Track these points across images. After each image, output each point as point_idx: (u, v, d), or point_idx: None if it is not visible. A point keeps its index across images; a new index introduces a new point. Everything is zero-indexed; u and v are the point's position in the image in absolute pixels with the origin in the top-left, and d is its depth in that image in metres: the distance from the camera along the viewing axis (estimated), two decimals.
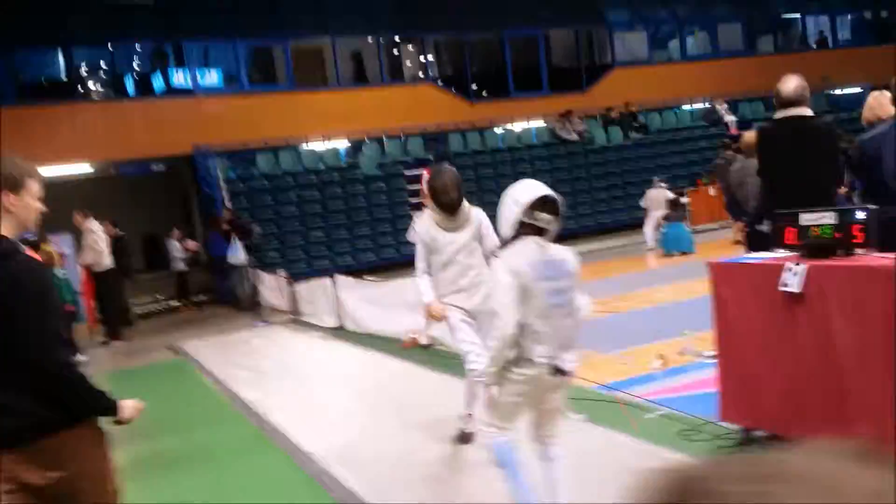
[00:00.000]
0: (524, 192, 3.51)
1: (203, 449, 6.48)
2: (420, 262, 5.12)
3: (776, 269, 4.02)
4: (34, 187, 2.81)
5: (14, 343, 2.66)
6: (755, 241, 6.62)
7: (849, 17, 27.77)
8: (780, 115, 5.34)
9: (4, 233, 2.71)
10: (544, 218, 3.47)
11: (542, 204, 3.47)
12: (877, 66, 24.62)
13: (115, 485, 2.98)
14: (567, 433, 4.75)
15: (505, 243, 3.53)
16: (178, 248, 16.20)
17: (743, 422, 4.49)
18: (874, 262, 3.69)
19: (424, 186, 5.21)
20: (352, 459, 5.41)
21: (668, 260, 13.88)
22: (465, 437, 5.29)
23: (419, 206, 18.79)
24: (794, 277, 3.91)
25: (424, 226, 5.12)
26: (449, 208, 4.97)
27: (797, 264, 3.93)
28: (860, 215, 3.83)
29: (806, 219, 4.01)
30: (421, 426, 5.92)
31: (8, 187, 2.72)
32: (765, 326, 4.18)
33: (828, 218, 3.92)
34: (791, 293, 3.94)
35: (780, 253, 4.21)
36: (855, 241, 3.82)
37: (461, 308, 5.01)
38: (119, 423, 3.00)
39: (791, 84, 5.26)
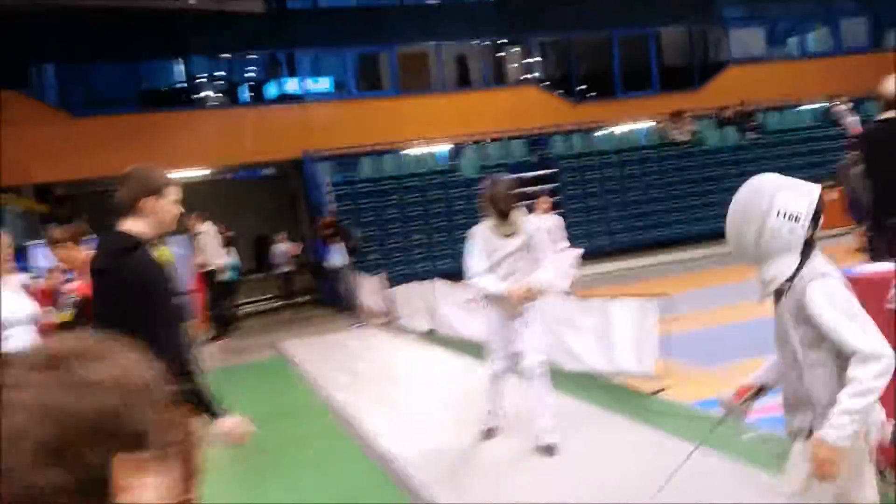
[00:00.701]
0: (810, 186, 2.55)
1: (286, 441, 6.60)
2: (481, 263, 5.42)
3: (885, 284, 3.65)
4: (172, 193, 3.22)
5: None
6: (878, 249, 6.15)
7: None
8: (883, 115, 5.07)
9: (145, 230, 3.10)
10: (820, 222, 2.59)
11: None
12: None
13: None
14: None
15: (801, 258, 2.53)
16: (282, 252, 16.67)
17: None
18: None
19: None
20: (432, 463, 5.48)
21: None
22: (489, 433, 5.75)
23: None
24: None
25: (482, 229, 5.49)
26: (503, 213, 5.36)
27: None
28: None
29: None
30: (503, 434, 5.81)
31: (151, 192, 3.13)
32: None
33: None
34: None
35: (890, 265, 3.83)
36: None
37: (499, 310, 5.46)
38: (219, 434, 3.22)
39: (892, 85, 4.97)
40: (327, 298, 15.87)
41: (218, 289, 13.61)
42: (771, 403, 5.65)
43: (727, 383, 3.05)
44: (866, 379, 2.34)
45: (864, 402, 2.35)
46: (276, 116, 18.86)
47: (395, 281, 13.77)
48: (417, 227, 17.34)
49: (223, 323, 13.88)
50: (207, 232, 13.63)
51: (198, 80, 20.05)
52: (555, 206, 18.49)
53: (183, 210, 3.33)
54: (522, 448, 5.54)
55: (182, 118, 18.29)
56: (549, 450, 5.29)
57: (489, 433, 5.78)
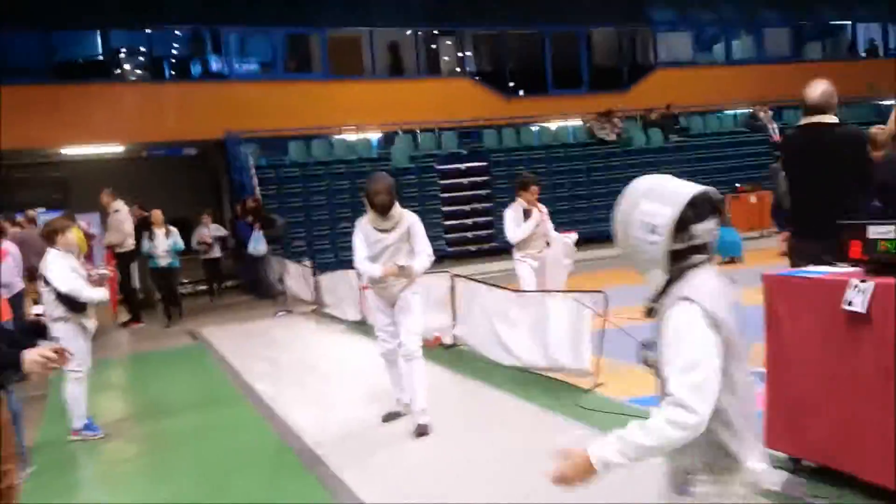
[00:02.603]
0: (683, 191, 2.17)
1: (203, 430, 6.48)
2: (363, 251, 5.79)
3: (839, 286, 3.62)
4: None
5: None
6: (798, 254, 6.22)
7: None
8: (803, 121, 5.08)
9: None
10: (708, 229, 2.20)
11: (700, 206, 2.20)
12: None
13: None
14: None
15: (670, 273, 2.20)
16: (207, 234, 15.75)
17: (790, 450, 4.09)
18: None
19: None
20: (354, 454, 5.41)
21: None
22: (390, 416, 6.06)
23: (451, 202, 18.43)
24: (859, 296, 3.51)
25: (364, 223, 5.83)
26: (380, 209, 5.66)
27: (863, 281, 3.53)
28: None
29: (874, 231, 3.60)
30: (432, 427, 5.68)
31: None
32: (822, 347, 3.78)
33: None
34: (854, 313, 3.55)
35: (842, 268, 3.81)
36: None
37: (379, 296, 5.91)
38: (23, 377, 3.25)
39: (817, 90, 5.01)
40: (250, 285, 15.37)
41: (127, 270, 12.95)
42: None
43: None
44: (659, 419, 2.00)
45: (644, 440, 2.01)
46: (199, 94, 18.17)
47: (321, 269, 13.44)
48: (345, 215, 16.97)
49: (137, 306, 13.27)
50: (121, 210, 13.00)
51: (118, 54, 19.14)
52: (486, 199, 18.55)
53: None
54: (450, 444, 5.45)
55: (99, 91, 17.42)
56: (421, 431, 5.60)
57: (390, 416, 6.05)
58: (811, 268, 4.03)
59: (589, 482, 2.06)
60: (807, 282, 3.92)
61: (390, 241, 5.72)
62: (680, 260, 2.16)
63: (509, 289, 7.56)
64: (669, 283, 2.17)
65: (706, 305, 2.07)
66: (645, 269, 2.21)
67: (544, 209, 7.93)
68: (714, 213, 2.18)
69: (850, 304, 3.55)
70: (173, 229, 12.61)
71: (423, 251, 5.82)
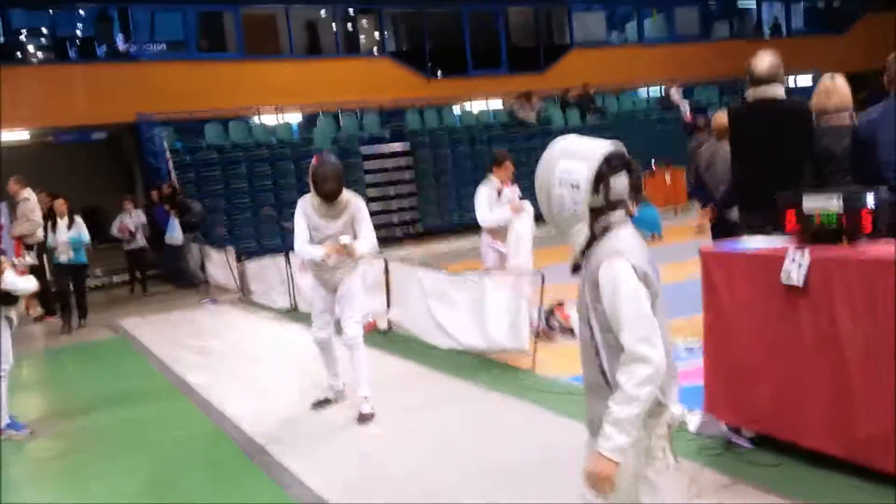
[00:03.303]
0: (596, 148, 2.29)
1: (134, 425, 6.30)
2: (303, 234, 5.61)
3: (776, 259, 3.75)
4: None
5: None
6: (721, 229, 6.39)
7: (802, 5, 27.99)
8: (751, 94, 5.08)
9: None
10: (623, 185, 2.32)
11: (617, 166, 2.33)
12: (829, 55, 24.92)
13: None
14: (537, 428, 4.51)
15: (593, 231, 2.33)
16: (129, 222, 14.34)
17: (730, 419, 4.23)
18: (884, 253, 3.44)
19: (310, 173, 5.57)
20: (289, 438, 5.45)
21: None
22: (321, 404, 5.99)
23: (375, 185, 18.19)
24: (797, 268, 3.65)
25: (307, 205, 5.61)
26: (326, 197, 5.47)
27: (801, 254, 3.66)
28: (869, 200, 3.57)
29: (809, 203, 3.74)
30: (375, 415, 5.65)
31: None
32: (760, 318, 3.91)
33: (834, 202, 3.65)
34: (792, 284, 3.68)
35: (776, 240, 3.95)
36: (863, 228, 3.57)
37: (319, 281, 5.75)
38: None
39: (765, 61, 5.00)
40: (171, 274, 14.91)
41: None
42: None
43: None
44: (629, 386, 2.18)
45: (630, 410, 2.18)
46: (108, 76, 17.39)
47: (244, 255, 13.14)
48: (267, 200, 16.63)
49: (52, 300, 12.67)
50: (30, 199, 12.37)
51: (19, 36, 18.15)
52: (410, 182, 18.46)
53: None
54: (393, 427, 5.45)
55: (1, 74, 16.50)
56: (365, 418, 5.52)
57: (321, 403, 5.97)
58: (747, 239, 4.16)
59: (616, 473, 2.22)
60: (744, 255, 4.05)
61: (334, 229, 5.55)
62: (600, 215, 2.29)
63: (446, 270, 7.55)
64: (593, 240, 2.31)
65: (635, 261, 2.25)
66: (568, 226, 2.33)
67: (517, 190, 7.31)
68: (626, 168, 2.31)
69: (788, 276, 3.68)
70: (78, 220, 11.02)
71: (368, 238, 5.64)
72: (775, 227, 4.00)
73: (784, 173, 4.69)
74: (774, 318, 3.83)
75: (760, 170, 5.05)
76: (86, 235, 11.05)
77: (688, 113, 21.24)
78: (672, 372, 2.35)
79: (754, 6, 27.26)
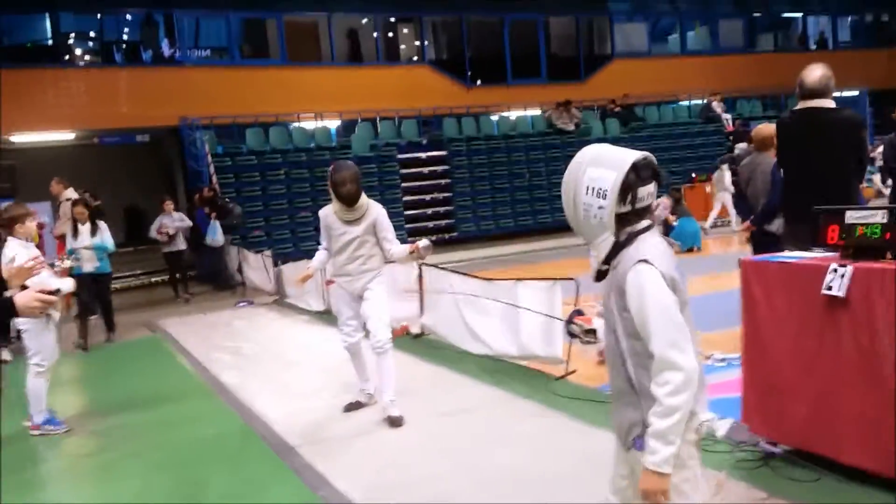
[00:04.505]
0: (625, 157, 2.28)
1: (167, 423, 6.34)
2: (322, 241, 5.87)
3: (818, 271, 3.67)
4: None
5: None
6: (761, 242, 6.29)
7: (849, 18, 27.54)
8: (800, 106, 5.07)
9: None
10: (650, 194, 2.33)
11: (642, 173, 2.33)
12: (875, 70, 24.48)
13: None
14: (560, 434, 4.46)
15: (618, 239, 2.32)
16: (168, 223, 13.77)
17: (768, 433, 4.14)
18: None
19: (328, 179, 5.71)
20: (319, 439, 5.46)
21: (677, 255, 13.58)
22: (352, 406, 6.00)
23: (410, 192, 18.31)
24: (839, 280, 3.56)
25: (328, 212, 5.75)
26: (345, 200, 5.55)
27: (843, 266, 3.58)
28: None
29: (852, 217, 3.66)
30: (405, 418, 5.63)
31: None
32: (799, 331, 3.82)
33: (877, 217, 3.56)
34: (833, 297, 3.59)
35: (818, 253, 3.86)
36: None
37: (345, 290, 5.80)
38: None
39: (816, 73, 4.99)
40: (208, 275, 15.10)
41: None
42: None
43: None
44: (665, 397, 2.18)
45: (670, 421, 2.18)
46: (153, 80, 17.75)
47: (280, 258, 13.27)
48: (304, 204, 16.78)
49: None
50: (71, 199, 12.59)
51: (67, 39, 18.57)
52: (446, 189, 18.52)
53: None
54: (423, 432, 5.42)
55: (48, 76, 16.93)
56: (395, 422, 5.50)
57: (352, 406, 5.98)
58: (788, 253, 4.08)
59: (668, 484, 2.23)
60: (784, 266, 3.96)
61: (356, 233, 5.63)
62: (626, 224, 2.30)
63: (479, 277, 7.53)
64: (619, 247, 2.31)
65: (662, 268, 2.25)
66: (594, 234, 2.33)
67: None
68: (655, 177, 2.32)
69: (829, 288, 3.60)
70: (102, 225, 10.00)
71: (394, 241, 5.73)
72: (816, 241, 3.92)
73: (827, 184, 4.61)
74: (814, 331, 3.74)
75: (809, 181, 4.97)
76: (110, 242, 10.05)
77: (729, 125, 21.08)
78: (700, 379, 2.32)
79: (800, 19, 26.87)
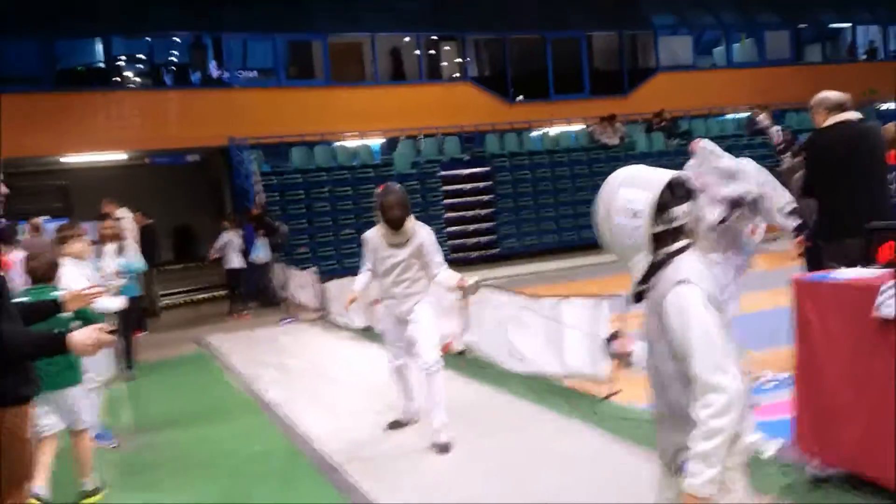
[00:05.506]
0: (660, 177, 2.28)
1: (212, 439, 6.42)
2: (366, 262, 5.88)
3: (870, 290, 3.57)
4: None
5: None
6: (815, 258, 6.15)
7: None
8: (830, 121, 5.06)
9: None
10: (687, 211, 2.32)
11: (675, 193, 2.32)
12: None
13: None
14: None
15: (658, 258, 2.29)
16: (226, 242, 14.27)
17: (820, 457, 4.03)
18: None
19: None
20: (363, 458, 5.48)
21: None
22: (394, 425, 6.00)
23: (453, 208, 18.30)
24: (890, 300, 3.46)
25: (374, 235, 5.74)
26: (393, 224, 5.56)
27: (895, 285, 3.48)
28: None
29: None
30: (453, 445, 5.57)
31: None
32: (853, 352, 3.72)
33: None
34: (886, 318, 3.49)
35: (873, 271, 3.76)
36: None
37: (391, 312, 5.78)
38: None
39: (835, 93, 5.08)
40: (255, 292, 15.31)
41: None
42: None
43: None
44: (706, 420, 2.13)
45: (713, 443, 2.13)
46: (201, 101, 18.11)
47: (324, 275, 13.37)
48: (348, 221, 16.93)
49: (141, 315, 13.14)
50: (125, 218, 12.90)
51: (118, 62, 19.07)
52: (489, 205, 18.53)
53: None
54: (466, 451, 5.39)
55: (100, 99, 17.37)
56: (443, 448, 5.36)
57: (395, 425, 5.98)
58: (842, 271, 3.98)
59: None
60: (837, 285, 3.87)
61: (402, 256, 5.64)
62: (662, 244, 2.27)
63: (524, 294, 7.49)
64: (655, 268, 2.28)
65: (703, 286, 2.21)
66: (629, 255, 2.31)
67: None
68: (690, 195, 2.31)
69: (880, 308, 3.50)
70: (129, 244, 9.19)
71: (442, 265, 5.72)
72: (867, 258, 3.83)
73: (869, 197, 4.53)
74: (866, 352, 3.64)
75: (846, 195, 4.88)
76: (138, 263, 9.18)
77: (778, 136, 20.67)
78: (746, 401, 2.26)
79: (849, 29, 26.34)
